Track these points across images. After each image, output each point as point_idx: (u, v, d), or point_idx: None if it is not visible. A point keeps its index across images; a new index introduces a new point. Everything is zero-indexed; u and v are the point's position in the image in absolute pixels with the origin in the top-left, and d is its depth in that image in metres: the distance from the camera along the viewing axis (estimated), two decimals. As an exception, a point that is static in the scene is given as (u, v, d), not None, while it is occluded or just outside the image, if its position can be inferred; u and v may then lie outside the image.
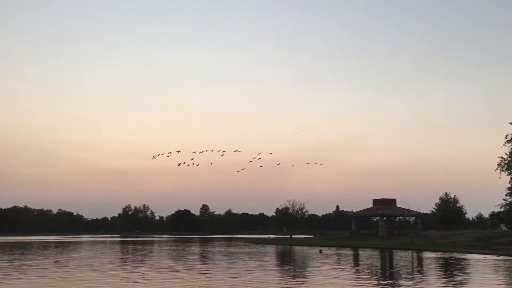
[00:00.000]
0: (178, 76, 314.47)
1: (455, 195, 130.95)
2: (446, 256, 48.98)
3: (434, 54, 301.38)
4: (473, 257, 46.59)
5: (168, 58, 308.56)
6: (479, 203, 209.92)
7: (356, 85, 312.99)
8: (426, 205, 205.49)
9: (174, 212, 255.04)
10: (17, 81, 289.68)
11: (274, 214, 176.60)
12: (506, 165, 64.15)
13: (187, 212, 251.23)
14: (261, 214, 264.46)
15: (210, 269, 35.18)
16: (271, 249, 67.61)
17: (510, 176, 64.46)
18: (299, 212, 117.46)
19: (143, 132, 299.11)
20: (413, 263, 42.86)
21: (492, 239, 64.63)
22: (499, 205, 70.06)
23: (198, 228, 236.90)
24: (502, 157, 64.64)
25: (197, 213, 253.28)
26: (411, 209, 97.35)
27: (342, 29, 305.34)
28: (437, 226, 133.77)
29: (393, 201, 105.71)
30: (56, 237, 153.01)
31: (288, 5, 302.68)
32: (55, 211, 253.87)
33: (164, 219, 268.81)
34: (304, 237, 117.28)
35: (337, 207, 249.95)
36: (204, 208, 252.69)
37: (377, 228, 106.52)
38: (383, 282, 27.18)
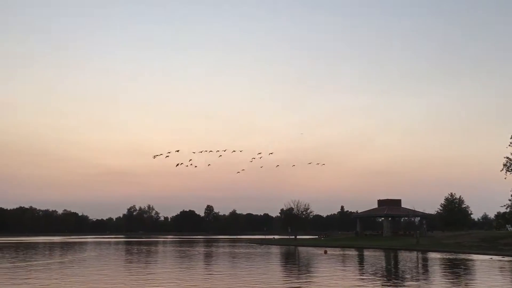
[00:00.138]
0: (181, 76, 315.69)
1: (460, 196, 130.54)
2: (451, 257, 48.73)
3: (439, 53, 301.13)
4: (479, 258, 46.32)
5: (169, 58, 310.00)
6: (485, 203, 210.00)
7: (360, 84, 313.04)
8: (431, 206, 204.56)
9: (178, 213, 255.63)
10: (18, 82, 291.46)
11: (279, 214, 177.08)
12: (511, 166, 63.77)
13: (191, 213, 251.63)
14: (266, 215, 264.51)
15: (215, 270, 35.15)
16: (275, 250, 67.53)
17: (516, 176, 64.02)
18: (304, 212, 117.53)
19: (147, 132, 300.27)
20: (418, 264, 42.64)
21: (498, 240, 64.18)
22: (505, 205, 69.66)
23: (203, 229, 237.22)
24: (507, 157, 64.32)
25: (202, 214, 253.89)
26: (416, 209, 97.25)
27: (345, 28, 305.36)
28: (443, 226, 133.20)
29: (398, 202, 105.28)
30: (61, 237, 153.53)
31: (290, 4, 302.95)
32: (60, 211, 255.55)
33: (169, 220, 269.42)
34: (309, 238, 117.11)
35: (342, 207, 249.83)
36: (209, 208, 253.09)
37: (382, 228, 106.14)
38: (388, 283, 27.05)
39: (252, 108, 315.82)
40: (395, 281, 27.95)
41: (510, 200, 67.51)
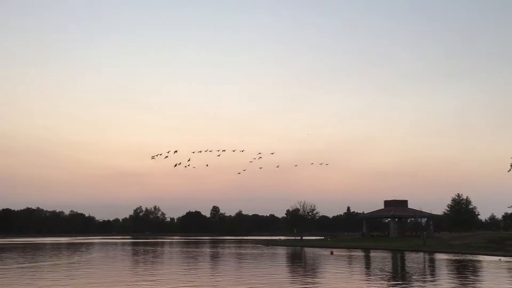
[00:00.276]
0: (185, 76, 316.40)
1: (467, 196, 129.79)
2: (458, 258, 48.44)
3: (445, 55, 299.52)
4: (487, 259, 46.03)
5: (173, 58, 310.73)
6: (492, 204, 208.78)
7: (367, 85, 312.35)
8: (438, 207, 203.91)
9: (185, 214, 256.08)
10: (27, 83, 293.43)
11: (285, 215, 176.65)
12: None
13: (197, 214, 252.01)
14: (272, 216, 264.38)
15: (221, 271, 35.17)
16: (282, 251, 67.46)
17: (523, 177, 63.49)
18: (310, 213, 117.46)
19: (153, 133, 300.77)
20: (425, 265, 42.43)
21: (505, 240, 63.77)
22: (512, 206, 69.12)
23: (209, 230, 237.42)
24: (515, 158, 63.77)
25: (208, 215, 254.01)
26: (423, 210, 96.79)
27: (348, 28, 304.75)
28: (450, 227, 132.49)
29: (404, 203, 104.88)
30: (68, 238, 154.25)
31: (292, 4, 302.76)
32: (67, 212, 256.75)
33: (175, 221, 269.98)
34: (315, 239, 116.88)
35: (348, 208, 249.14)
36: (215, 209, 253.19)
37: (388, 229, 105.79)
38: (395, 284, 26.94)
39: (256, 108, 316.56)
40: (402, 282, 27.82)
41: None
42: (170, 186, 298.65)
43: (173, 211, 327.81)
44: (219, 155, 69.60)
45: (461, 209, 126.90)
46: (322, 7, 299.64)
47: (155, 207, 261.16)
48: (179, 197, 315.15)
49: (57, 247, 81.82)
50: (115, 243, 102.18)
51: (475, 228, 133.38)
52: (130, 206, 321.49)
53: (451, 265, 41.07)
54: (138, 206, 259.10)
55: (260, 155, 70.44)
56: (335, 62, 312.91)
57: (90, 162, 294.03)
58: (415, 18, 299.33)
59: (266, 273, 32.83)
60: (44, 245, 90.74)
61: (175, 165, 65.18)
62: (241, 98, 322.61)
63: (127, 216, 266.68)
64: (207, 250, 70.24)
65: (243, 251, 65.10)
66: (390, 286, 26.27)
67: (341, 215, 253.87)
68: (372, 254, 58.68)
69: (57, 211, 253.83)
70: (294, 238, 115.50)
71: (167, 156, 64.29)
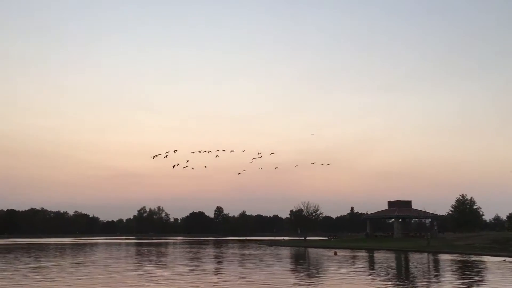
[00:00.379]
0: (190, 77, 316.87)
1: (471, 197, 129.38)
2: (463, 259, 48.29)
3: (451, 54, 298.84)
4: (491, 260, 45.88)
5: (177, 59, 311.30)
6: (497, 204, 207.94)
7: (371, 85, 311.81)
8: (442, 207, 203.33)
9: (188, 214, 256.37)
10: (31, 83, 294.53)
11: (288, 216, 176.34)
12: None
13: (201, 214, 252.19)
14: (275, 216, 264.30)
15: (225, 272, 35.18)
16: (285, 251, 67.43)
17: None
18: (314, 214, 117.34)
19: (157, 134, 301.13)
20: (429, 265, 42.34)
21: (510, 241, 63.50)
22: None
23: (212, 230, 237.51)
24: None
25: (211, 215, 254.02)
26: (427, 211, 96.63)
27: (356, 27, 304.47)
28: (454, 228, 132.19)
29: (408, 203, 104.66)
30: (72, 238, 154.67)
31: (294, 4, 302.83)
32: (71, 213, 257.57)
33: (179, 221, 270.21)
34: (319, 239, 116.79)
35: (352, 208, 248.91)
36: (218, 210, 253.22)
37: (392, 230, 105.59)
38: (399, 285, 26.90)
39: (257, 109, 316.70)
40: (406, 283, 27.77)
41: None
42: (174, 186, 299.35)
43: (177, 212, 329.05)
44: (217, 156, 69.46)
45: (465, 210, 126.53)
46: (327, 6, 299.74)
47: (159, 208, 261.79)
48: (182, 197, 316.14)
49: (62, 247, 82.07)
50: (119, 244, 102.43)
51: (479, 228, 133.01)
52: (134, 206, 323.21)
53: (455, 266, 40.97)
54: (142, 207, 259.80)
55: (260, 155, 70.32)
56: (338, 62, 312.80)
57: (94, 162, 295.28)
58: (416, 17, 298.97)
59: (269, 274, 32.81)
60: (48, 245, 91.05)
61: (174, 166, 65.23)
62: (242, 98, 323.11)
63: (131, 217, 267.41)
64: (210, 250, 70.29)
65: (246, 252, 65.11)
66: (394, 287, 26.23)
67: (344, 215, 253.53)
68: (376, 254, 58.57)
69: (61, 211, 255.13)
70: (297, 238, 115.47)
71: (166, 156, 64.30)
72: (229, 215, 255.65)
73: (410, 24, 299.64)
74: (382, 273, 33.58)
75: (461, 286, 26.16)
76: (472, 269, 37.19)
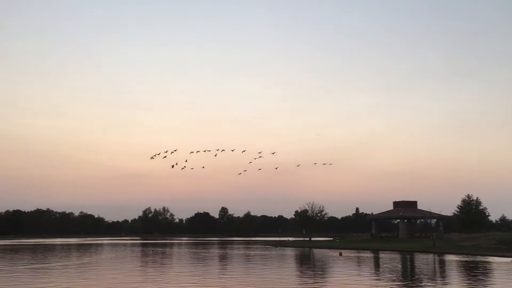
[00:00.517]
0: (194, 77, 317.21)
1: (477, 197, 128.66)
2: (468, 260, 48.08)
3: (456, 54, 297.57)
4: (497, 260, 45.64)
5: (182, 60, 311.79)
6: (503, 204, 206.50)
7: (375, 85, 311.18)
8: (448, 207, 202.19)
9: (193, 215, 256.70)
10: (36, 84, 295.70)
11: (293, 216, 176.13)
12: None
13: (206, 215, 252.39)
14: (280, 217, 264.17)
15: (231, 273, 35.21)
16: (290, 252, 67.38)
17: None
18: (319, 214, 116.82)
19: (162, 135, 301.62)
20: (435, 266, 42.17)
21: (516, 242, 63.21)
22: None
23: (217, 231, 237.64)
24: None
25: (216, 216, 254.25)
26: (433, 211, 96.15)
27: (360, 27, 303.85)
28: (459, 228, 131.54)
29: (414, 203, 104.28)
30: (77, 239, 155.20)
31: (301, 5, 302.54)
32: (76, 213, 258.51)
33: (184, 222, 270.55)
34: (324, 240, 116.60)
35: (357, 209, 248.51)
36: (223, 210, 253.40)
37: (397, 230, 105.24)
38: (404, 285, 26.81)
39: (264, 109, 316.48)
40: (412, 284, 27.67)
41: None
42: (179, 187, 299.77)
43: (182, 212, 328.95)
44: (215, 155, 69.30)
45: (471, 210, 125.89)
46: (322, 7, 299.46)
47: (164, 208, 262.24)
48: (187, 198, 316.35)
49: (67, 248, 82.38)
50: (124, 244, 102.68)
51: (485, 229, 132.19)
52: (139, 207, 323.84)
53: (461, 267, 40.78)
54: (147, 207, 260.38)
55: (260, 155, 70.10)
56: (340, 62, 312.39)
57: (100, 163, 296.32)
58: (427, 18, 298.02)
59: (275, 274, 32.80)
60: (54, 246, 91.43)
61: (173, 166, 65.19)
62: (242, 98, 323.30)
63: (136, 217, 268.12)
64: (216, 251, 70.33)
65: (252, 252, 65.10)
66: (398, 287, 26.15)
67: (350, 216, 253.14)
68: (381, 255, 58.40)
69: (67, 212, 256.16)
70: (302, 239, 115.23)
71: (165, 156, 64.36)
72: (234, 215, 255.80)
73: (412, 24, 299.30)
74: (388, 274, 33.45)
75: (466, 287, 26.01)
76: (478, 270, 36.98)
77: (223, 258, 53.66)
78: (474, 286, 26.02)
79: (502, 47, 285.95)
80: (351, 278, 30.37)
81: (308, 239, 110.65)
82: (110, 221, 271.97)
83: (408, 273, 35.17)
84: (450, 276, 31.98)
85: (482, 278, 30.51)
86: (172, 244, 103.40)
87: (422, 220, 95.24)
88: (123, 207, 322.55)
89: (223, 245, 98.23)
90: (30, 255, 57.21)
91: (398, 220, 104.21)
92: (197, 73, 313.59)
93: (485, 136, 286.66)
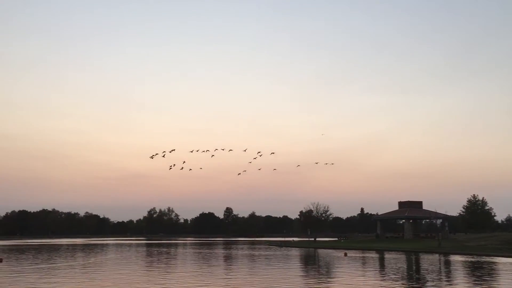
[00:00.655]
0: (199, 78, 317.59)
1: (483, 197, 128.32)
2: (474, 260, 47.83)
3: (460, 54, 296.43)
4: (503, 261, 45.40)
5: (186, 60, 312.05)
6: (509, 205, 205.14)
7: (379, 85, 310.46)
8: (454, 208, 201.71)
9: (198, 215, 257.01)
10: (49, 85, 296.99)
11: (298, 216, 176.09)
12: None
13: (211, 215, 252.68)
14: (285, 217, 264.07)
15: (235, 273, 35.22)
16: (295, 252, 67.30)
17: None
18: (323, 214, 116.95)
19: (167, 135, 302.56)
20: (440, 267, 41.99)
21: (522, 242, 62.92)
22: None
23: (222, 231, 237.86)
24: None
25: (221, 216, 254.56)
26: (438, 211, 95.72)
27: (364, 28, 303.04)
28: (465, 228, 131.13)
29: (419, 204, 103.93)
30: (83, 239, 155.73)
31: (306, 5, 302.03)
32: (82, 214, 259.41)
33: (188, 222, 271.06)
34: (328, 240, 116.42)
35: (362, 209, 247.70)
36: (228, 210, 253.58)
37: (403, 231, 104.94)
38: (410, 286, 26.72)
39: (269, 109, 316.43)
40: (417, 284, 27.58)
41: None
42: (184, 187, 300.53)
43: (187, 213, 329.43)
44: (213, 156, 69.02)
45: (476, 210, 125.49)
46: (339, 7, 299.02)
47: (168, 209, 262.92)
48: (192, 198, 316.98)
49: (73, 248, 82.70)
50: (130, 245, 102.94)
51: (491, 229, 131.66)
52: (144, 207, 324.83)
53: (466, 267, 40.58)
54: (152, 208, 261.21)
55: (260, 154, 69.80)
56: (346, 62, 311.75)
57: (105, 164, 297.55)
58: (434, 17, 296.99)
59: (279, 275, 32.78)
60: (59, 246, 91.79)
61: (170, 167, 64.93)
62: (243, 99, 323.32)
63: (141, 218, 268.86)
64: (220, 251, 70.36)
65: (256, 253, 65.08)
66: (404, 288, 26.09)
67: (355, 216, 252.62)
68: (387, 256, 58.22)
69: (72, 212, 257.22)
70: (307, 239, 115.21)
71: (164, 155, 64.30)
72: (239, 216, 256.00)
73: (422, 24, 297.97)
74: (393, 275, 33.33)
75: (472, 287, 25.89)
76: (484, 271, 36.77)
77: (228, 258, 53.67)
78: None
79: (506, 48, 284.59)
80: (355, 278, 30.31)
81: (313, 239, 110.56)
82: (115, 222, 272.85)
83: (413, 274, 35.02)
84: (455, 277, 31.82)
85: (487, 278, 30.36)
86: (177, 245, 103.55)
87: (427, 220, 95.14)
88: (128, 207, 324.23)
89: (228, 245, 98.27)
90: (35, 255, 57.45)
91: (404, 221, 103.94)
92: (198, 73, 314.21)
93: (492, 136, 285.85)
